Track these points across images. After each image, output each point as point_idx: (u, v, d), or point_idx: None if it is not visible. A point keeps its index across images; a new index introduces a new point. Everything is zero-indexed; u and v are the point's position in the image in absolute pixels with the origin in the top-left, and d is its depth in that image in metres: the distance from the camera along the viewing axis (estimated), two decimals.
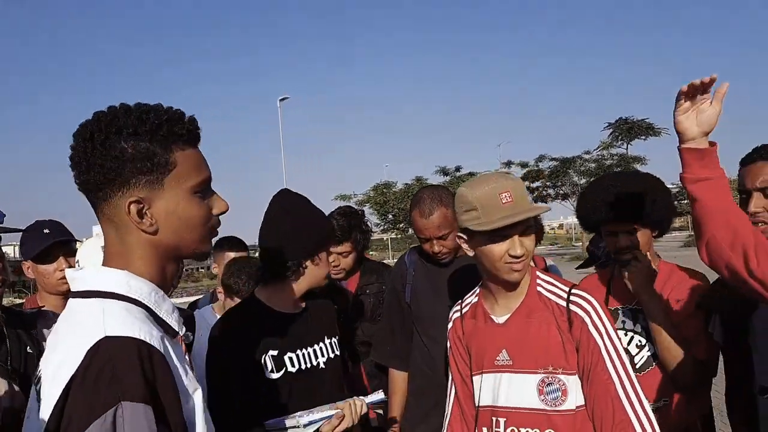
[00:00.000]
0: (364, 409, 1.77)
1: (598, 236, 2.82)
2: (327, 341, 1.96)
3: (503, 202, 1.52)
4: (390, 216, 32.60)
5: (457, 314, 1.82)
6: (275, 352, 1.80)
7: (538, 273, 1.70)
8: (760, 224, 1.75)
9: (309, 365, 1.87)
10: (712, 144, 1.48)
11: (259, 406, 1.71)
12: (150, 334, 0.95)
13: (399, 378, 2.42)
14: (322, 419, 1.68)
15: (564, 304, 1.59)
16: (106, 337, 0.91)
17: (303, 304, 1.97)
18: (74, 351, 0.91)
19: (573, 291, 1.62)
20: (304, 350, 1.87)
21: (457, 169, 34.25)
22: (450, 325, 1.83)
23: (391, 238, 37.70)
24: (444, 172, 33.88)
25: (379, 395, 1.87)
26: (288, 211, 1.91)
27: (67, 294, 1.34)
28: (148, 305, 1.02)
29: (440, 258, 2.31)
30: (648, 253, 2.02)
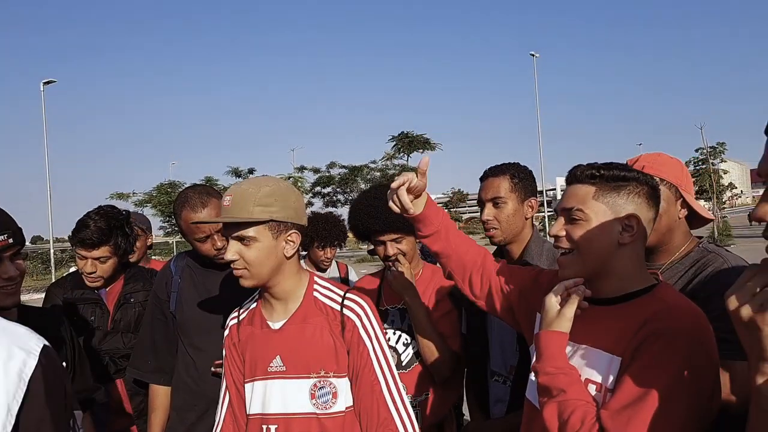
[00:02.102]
0: None
1: None
2: None
3: (224, 203, 1.59)
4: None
5: (234, 321, 1.78)
6: None
7: (315, 278, 1.72)
8: (491, 230, 2.06)
9: None
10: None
11: None
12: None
13: (160, 393, 2.27)
14: None
15: (338, 308, 1.64)
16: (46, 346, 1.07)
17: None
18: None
19: (347, 295, 1.67)
20: None
21: (251, 171, 33.55)
22: (226, 332, 1.78)
23: (176, 242, 35.39)
24: (236, 173, 32.87)
25: None
26: None
27: None
28: None
29: (222, 258, 2.20)
30: (414, 258, 2.21)
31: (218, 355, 2.07)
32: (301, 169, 33.78)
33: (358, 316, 1.63)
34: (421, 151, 33.73)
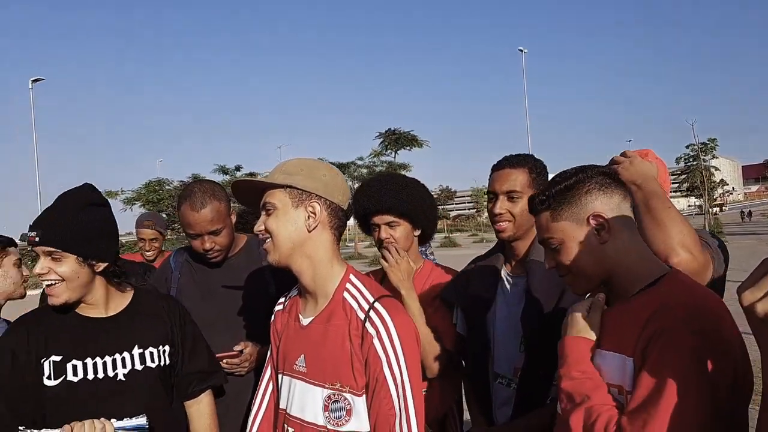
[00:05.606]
0: None
1: None
2: (137, 351, 1.78)
3: None
4: (164, 215, 30.47)
5: (280, 306, 1.74)
6: (58, 358, 1.67)
7: (351, 275, 1.58)
8: (503, 222, 1.94)
9: (101, 375, 1.71)
10: None
11: (26, 412, 1.61)
12: None
13: None
14: None
15: (362, 317, 1.48)
16: None
17: (122, 307, 1.81)
18: None
19: (375, 305, 1.49)
20: (99, 359, 1.72)
21: (237, 168, 33.45)
22: (272, 317, 1.75)
23: (167, 239, 35.21)
24: (223, 170, 32.81)
25: (140, 420, 1.68)
26: None
27: None
28: None
29: (211, 257, 2.20)
30: (409, 250, 2.14)
31: (218, 349, 2.08)
32: None
33: (377, 330, 1.45)
34: (408, 148, 33.75)
